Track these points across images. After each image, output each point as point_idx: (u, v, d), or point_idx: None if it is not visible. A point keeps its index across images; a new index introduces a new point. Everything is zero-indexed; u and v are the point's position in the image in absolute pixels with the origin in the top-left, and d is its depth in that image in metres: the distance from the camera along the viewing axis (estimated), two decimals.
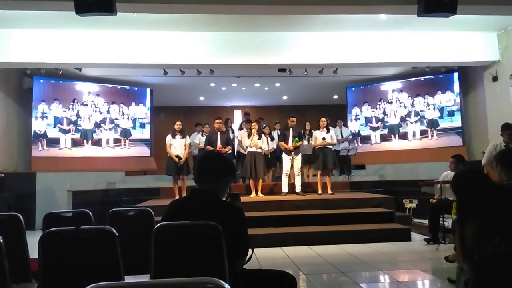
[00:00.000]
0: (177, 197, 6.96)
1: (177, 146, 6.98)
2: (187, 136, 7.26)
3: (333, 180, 7.78)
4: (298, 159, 7.25)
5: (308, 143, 7.57)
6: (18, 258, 2.27)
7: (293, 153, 7.15)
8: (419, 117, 9.40)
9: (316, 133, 7.37)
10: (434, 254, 4.78)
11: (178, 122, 7.11)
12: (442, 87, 9.18)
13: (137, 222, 2.84)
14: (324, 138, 7.23)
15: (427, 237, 5.36)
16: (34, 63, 7.31)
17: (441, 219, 5.17)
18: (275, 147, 8.06)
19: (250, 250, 1.93)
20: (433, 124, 9.22)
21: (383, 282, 3.84)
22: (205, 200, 1.92)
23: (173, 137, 7.01)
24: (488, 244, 1.83)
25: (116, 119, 9.60)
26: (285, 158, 7.26)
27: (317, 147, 7.29)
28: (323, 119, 7.38)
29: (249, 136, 7.43)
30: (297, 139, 7.11)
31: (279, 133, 8.08)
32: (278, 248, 5.15)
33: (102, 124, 9.36)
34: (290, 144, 7.14)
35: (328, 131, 7.35)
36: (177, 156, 6.90)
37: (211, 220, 1.73)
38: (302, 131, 7.62)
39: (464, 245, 2.00)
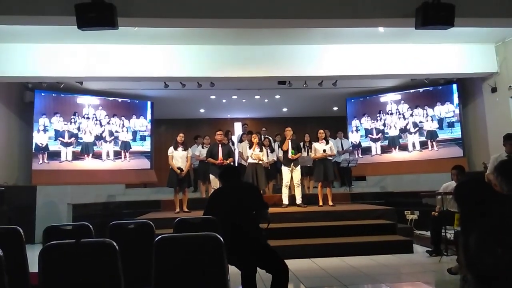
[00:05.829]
0: (177, 209, 6.92)
1: (178, 158, 6.98)
2: (189, 149, 7.28)
3: (334, 191, 7.75)
4: (298, 171, 7.24)
5: (308, 154, 7.57)
6: (18, 272, 2.26)
7: (292, 164, 7.16)
8: (418, 128, 9.42)
9: (315, 145, 7.36)
10: (436, 266, 4.74)
11: (181, 134, 7.16)
12: (441, 99, 9.22)
13: (138, 235, 2.83)
14: (324, 150, 7.23)
15: (430, 249, 5.33)
16: (36, 77, 7.36)
17: (443, 230, 5.14)
18: (275, 159, 8.07)
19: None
20: (432, 135, 9.24)
21: None
22: (237, 183, 3.44)
23: (175, 149, 7.03)
24: (491, 255, 1.81)
25: (116, 131, 9.64)
26: (285, 170, 7.26)
27: (317, 159, 7.29)
28: (321, 131, 7.40)
29: (250, 147, 7.45)
30: (293, 151, 7.12)
31: (279, 145, 8.09)
32: None
33: (102, 137, 9.39)
34: (289, 155, 7.16)
35: (327, 142, 7.36)
36: (178, 168, 6.90)
37: (247, 193, 3.36)
38: (300, 143, 7.61)
39: (468, 256, 1.98)
